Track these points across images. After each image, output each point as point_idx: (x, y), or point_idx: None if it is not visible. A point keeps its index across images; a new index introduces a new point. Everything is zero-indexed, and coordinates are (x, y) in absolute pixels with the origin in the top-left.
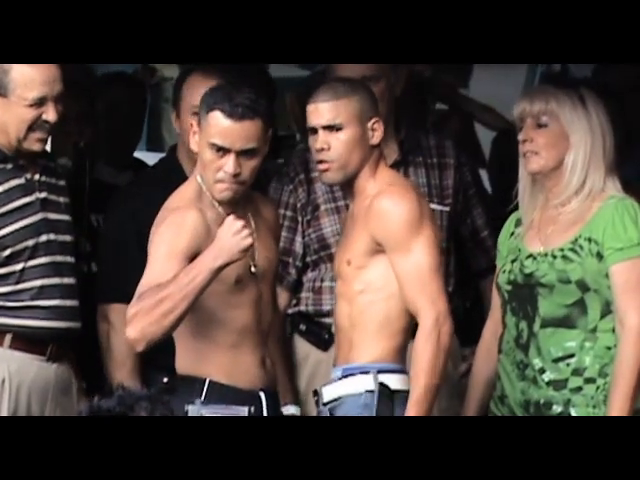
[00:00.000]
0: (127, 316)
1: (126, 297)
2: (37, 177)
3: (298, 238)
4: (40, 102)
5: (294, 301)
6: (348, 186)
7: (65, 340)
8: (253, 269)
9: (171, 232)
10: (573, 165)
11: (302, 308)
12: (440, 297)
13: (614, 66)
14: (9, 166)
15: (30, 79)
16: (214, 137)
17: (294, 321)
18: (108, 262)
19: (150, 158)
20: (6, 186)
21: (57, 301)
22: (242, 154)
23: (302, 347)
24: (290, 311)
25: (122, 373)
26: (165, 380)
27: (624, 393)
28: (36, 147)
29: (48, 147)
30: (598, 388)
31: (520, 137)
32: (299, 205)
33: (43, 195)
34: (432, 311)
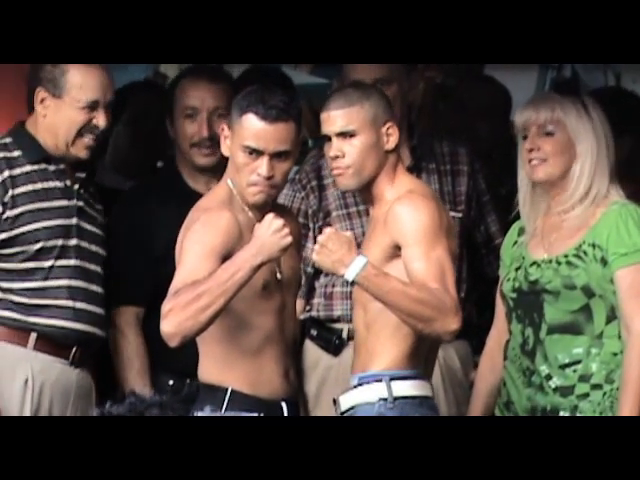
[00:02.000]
0: (162, 311)
1: (130, 299)
2: (76, 187)
3: (310, 244)
4: (93, 106)
5: (307, 307)
6: (367, 192)
7: (88, 345)
8: (279, 275)
9: (205, 231)
10: (580, 174)
11: (313, 313)
12: (455, 301)
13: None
14: (51, 168)
15: (85, 81)
16: (248, 139)
17: (305, 326)
18: (111, 266)
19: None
20: (46, 185)
21: (82, 304)
22: (275, 156)
23: (313, 352)
24: (302, 316)
25: (130, 374)
26: (171, 382)
27: (633, 399)
28: (83, 154)
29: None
30: (605, 394)
31: (526, 145)
32: (310, 212)
33: (80, 204)
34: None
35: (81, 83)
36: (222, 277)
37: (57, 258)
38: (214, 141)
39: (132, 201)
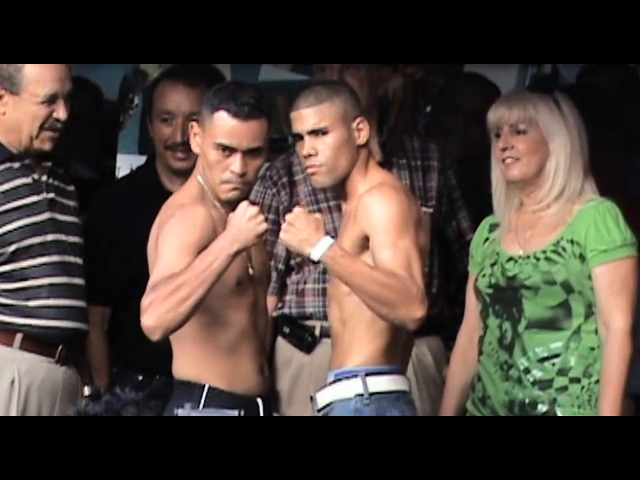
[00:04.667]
0: (142, 306)
1: (97, 299)
2: (44, 178)
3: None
4: (51, 99)
5: (279, 304)
6: (340, 188)
7: (74, 341)
8: (251, 271)
9: (182, 226)
10: (555, 171)
11: (285, 311)
12: (421, 290)
13: (604, 68)
14: (16, 165)
15: (42, 76)
16: (220, 137)
17: (277, 324)
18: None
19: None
20: (12, 184)
21: (66, 301)
22: (248, 153)
23: (285, 350)
24: (274, 314)
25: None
26: (140, 378)
27: (613, 395)
28: (46, 146)
29: None
30: (583, 388)
31: (500, 145)
32: (281, 208)
33: (51, 196)
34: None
35: (38, 78)
36: (200, 267)
37: (36, 257)
38: (188, 146)
39: (106, 199)
